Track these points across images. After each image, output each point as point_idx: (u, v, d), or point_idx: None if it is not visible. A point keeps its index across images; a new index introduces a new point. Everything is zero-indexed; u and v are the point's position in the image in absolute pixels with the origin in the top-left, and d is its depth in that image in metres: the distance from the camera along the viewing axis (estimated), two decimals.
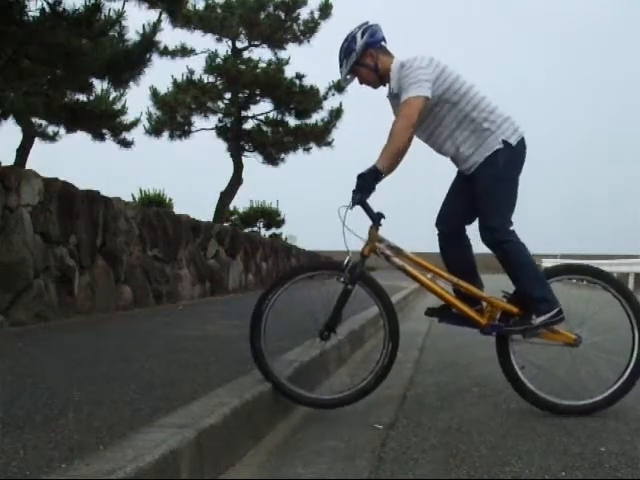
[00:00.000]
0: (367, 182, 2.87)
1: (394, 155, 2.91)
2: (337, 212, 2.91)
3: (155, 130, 15.71)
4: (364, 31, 3.09)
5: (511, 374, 3.11)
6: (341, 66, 3.16)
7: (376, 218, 2.99)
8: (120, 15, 7.18)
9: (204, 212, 16.39)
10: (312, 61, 18.02)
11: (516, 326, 2.99)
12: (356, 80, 3.21)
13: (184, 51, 15.58)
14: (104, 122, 10.99)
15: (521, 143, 3.07)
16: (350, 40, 3.09)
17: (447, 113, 3.05)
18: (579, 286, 3.30)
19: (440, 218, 3.31)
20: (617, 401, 3.07)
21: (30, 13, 6.45)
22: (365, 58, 3.09)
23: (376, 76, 3.12)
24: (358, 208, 2.94)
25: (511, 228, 3.05)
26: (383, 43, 3.15)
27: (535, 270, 3.05)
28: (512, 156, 3.04)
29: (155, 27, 8.23)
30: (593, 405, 3.06)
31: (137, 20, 8.09)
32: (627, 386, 3.08)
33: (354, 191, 2.89)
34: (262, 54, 16.12)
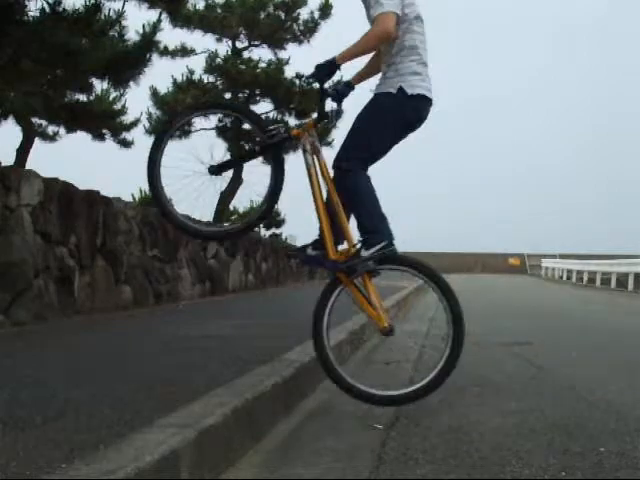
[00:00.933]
0: (321, 70, 2.99)
1: (356, 54, 3.01)
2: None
3: (155, 130, 15.70)
4: None
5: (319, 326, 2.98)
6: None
7: (320, 116, 3.10)
8: (120, 15, 7.18)
9: (204, 212, 16.39)
10: (312, 61, 18.00)
11: (345, 262, 2.93)
12: None
13: (184, 51, 15.56)
14: (104, 122, 10.99)
15: (417, 99, 3.03)
16: None
17: (395, 39, 3.05)
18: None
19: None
20: (437, 387, 3.00)
21: (30, 13, 6.45)
22: None
23: None
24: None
25: (362, 165, 3.03)
26: None
27: (373, 204, 3.00)
28: (399, 104, 3.02)
29: (155, 27, 8.24)
30: (413, 393, 2.99)
31: (137, 20, 8.09)
32: (445, 371, 2.99)
33: (308, 75, 3.04)
34: (262, 54, 16.10)
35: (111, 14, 7.09)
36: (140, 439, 1.96)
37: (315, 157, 3.06)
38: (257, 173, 3.12)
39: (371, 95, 3.13)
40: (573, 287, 22.16)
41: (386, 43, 3.06)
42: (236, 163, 3.11)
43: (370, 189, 3.03)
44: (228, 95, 16.30)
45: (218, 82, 16.09)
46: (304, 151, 3.06)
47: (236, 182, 16.06)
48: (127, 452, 1.82)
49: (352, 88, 3.19)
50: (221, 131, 16.53)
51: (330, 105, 3.09)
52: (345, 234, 3.02)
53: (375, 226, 2.95)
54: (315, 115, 3.09)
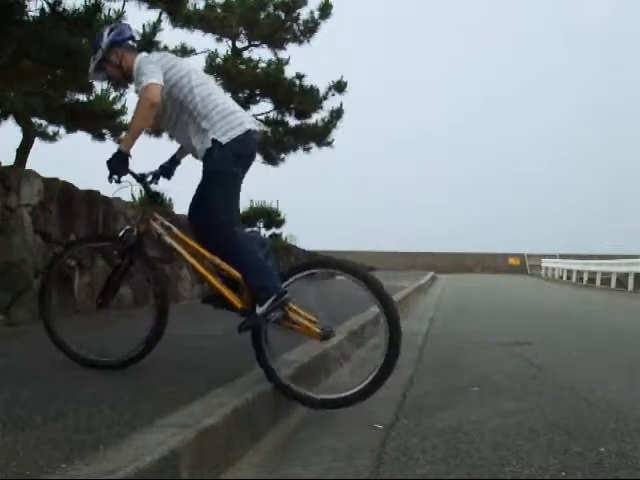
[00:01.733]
0: (114, 166, 3.04)
1: (137, 135, 3.08)
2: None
3: (154, 130, 15.70)
4: (111, 30, 3.31)
5: (266, 365, 2.96)
6: (90, 63, 3.38)
7: (153, 197, 3.23)
8: (120, 15, 7.18)
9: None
10: (312, 61, 18.02)
11: (246, 323, 2.95)
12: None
13: (184, 51, 15.54)
14: (104, 122, 10.98)
15: (236, 141, 3.03)
16: (98, 38, 3.31)
17: (179, 110, 3.11)
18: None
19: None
20: (373, 392, 2.89)
21: (30, 13, 6.45)
22: (111, 55, 3.27)
23: (120, 73, 3.31)
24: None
25: (232, 224, 3.05)
26: (130, 42, 3.35)
27: (255, 263, 2.99)
28: (223, 154, 3.02)
29: (155, 27, 8.24)
30: (349, 397, 2.90)
31: (137, 20, 8.09)
32: (383, 373, 2.87)
33: (108, 176, 3.07)
34: (262, 54, 16.10)
35: (111, 14, 7.09)
36: (140, 439, 1.96)
37: (171, 236, 3.13)
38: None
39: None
40: (573, 287, 22.15)
41: (158, 111, 3.09)
42: (112, 285, 3.22)
43: (248, 248, 3.02)
44: (228, 95, 16.30)
45: (218, 82, 16.08)
46: (159, 236, 3.14)
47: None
48: (127, 452, 1.83)
49: (177, 163, 3.40)
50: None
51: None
52: (235, 280, 3.02)
53: (260, 284, 2.92)
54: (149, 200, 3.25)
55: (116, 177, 3.07)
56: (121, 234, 3.17)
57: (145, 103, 2.98)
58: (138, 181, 3.17)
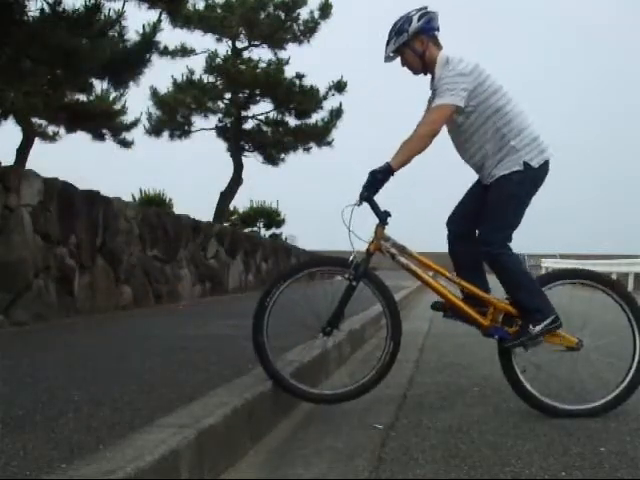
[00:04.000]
0: (377, 180, 2.91)
1: (410, 157, 2.95)
2: (341, 213, 2.93)
3: (155, 130, 15.72)
4: (421, 16, 3.08)
5: (513, 377, 3.11)
6: (388, 43, 3.14)
7: (383, 216, 3.02)
8: (120, 15, 7.17)
9: (204, 212, 16.39)
10: (312, 61, 18.02)
11: (515, 339, 3.00)
12: (398, 61, 3.19)
13: (184, 51, 15.57)
14: (104, 122, 11.00)
15: (543, 166, 3.07)
16: (405, 20, 3.08)
17: (481, 125, 3.05)
18: (581, 289, 3.29)
19: (452, 218, 3.34)
20: (619, 405, 3.07)
21: (30, 13, 6.45)
22: (415, 42, 3.09)
23: (420, 63, 3.13)
24: (364, 206, 2.97)
25: (508, 243, 3.07)
26: (436, 32, 3.15)
27: (528, 281, 3.06)
28: (530, 177, 3.04)
29: (155, 27, 8.23)
30: (594, 409, 3.06)
31: (137, 20, 8.08)
32: (629, 390, 3.10)
33: (364, 187, 2.92)
34: (262, 54, 16.12)
35: (111, 14, 7.09)
36: (140, 439, 1.96)
37: (405, 255, 3.06)
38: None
39: (496, 178, 3.09)
40: (573, 287, 22.11)
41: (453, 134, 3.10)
42: (343, 310, 3.01)
43: (522, 268, 3.11)
44: (228, 95, 16.32)
45: (218, 82, 16.10)
46: (393, 257, 3.05)
47: (236, 182, 16.13)
48: (127, 452, 1.82)
49: (391, 174, 2.98)
50: (221, 131, 16.54)
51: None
52: (481, 299, 3.06)
53: (538, 304, 2.99)
54: (377, 220, 3.03)
55: (366, 194, 2.91)
56: (351, 258, 2.99)
57: (429, 130, 2.93)
58: (370, 202, 2.96)
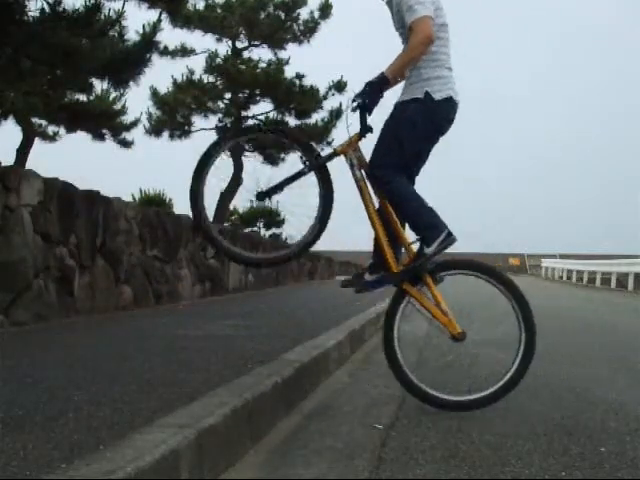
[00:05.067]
0: (372, 89, 2.96)
1: (405, 66, 3.01)
2: (345, 112, 3.07)
3: (155, 130, 15.72)
4: None
5: (391, 350, 3.05)
6: None
7: (364, 129, 3.07)
8: (120, 15, 7.17)
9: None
10: (312, 61, 18.02)
11: (412, 264, 2.96)
12: None
13: (184, 51, 15.58)
14: (104, 122, 11.00)
15: (445, 102, 3.04)
16: None
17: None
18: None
19: None
20: (505, 395, 3.04)
21: (30, 13, 6.45)
22: None
23: None
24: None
25: (400, 172, 3.03)
26: None
27: (418, 203, 3.01)
28: (429, 109, 3.02)
29: (155, 27, 8.24)
30: (475, 401, 3.03)
31: (137, 20, 8.09)
32: (515, 380, 3.05)
33: (357, 95, 2.98)
34: (262, 54, 16.12)
35: (111, 14, 7.09)
36: (140, 439, 1.96)
37: (363, 171, 3.07)
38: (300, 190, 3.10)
39: (396, 102, 3.12)
40: (573, 287, 22.16)
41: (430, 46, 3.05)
42: (283, 186, 3.09)
43: (409, 190, 3.05)
44: (228, 95, 16.32)
45: (218, 82, 16.10)
46: (351, 166, 3.07)
47: (236, 182, 16.12)
48: (127, 452, 1.82)
49: (386, 83, 3.10)
50: (221, 131, 16.53)
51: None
52: (402, 242, 3.04)
53: (428, 222, 2.96)
54: (359, 129, 3.06)
55: (360, 101, 2.97)
56: (318, 149, 3.10)
57: (422, 39, 2.93)
58: (360, 107, 3.00)
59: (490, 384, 3.08)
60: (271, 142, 13.84)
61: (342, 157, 3.09)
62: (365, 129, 3.05)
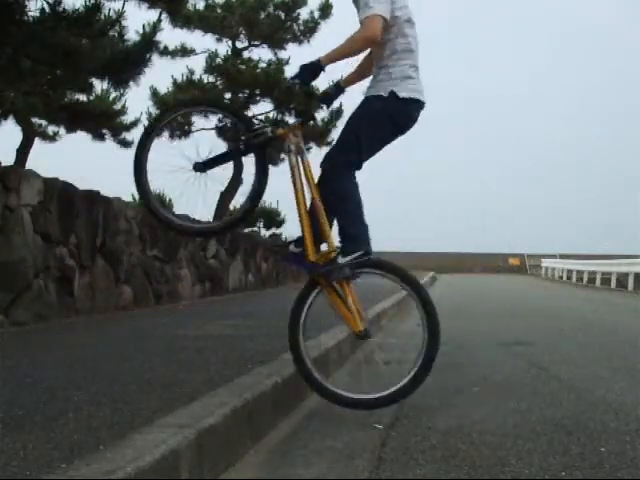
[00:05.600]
0: (305, 72, 2.97)
1: (341, 55, 3.00)
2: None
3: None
4: None
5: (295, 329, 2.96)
6: None
7: (307, 117, 3.14)
8: (120, 15, 7.17)
9: (204, 212, 16.37)
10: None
11: (322, 268, 2.92)
12: None
13: (184, 51, 15.56)
14: (104, 122, 10.99)
15: (408, 102, 3.01)
16: None
17: (386, 42, 3.03)
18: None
19: None
20: (408, 395, 2.96)
21: (30, 13, 6.45)
22: None
23: None
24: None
25: (351, 167, 3.01)
26: None
27: (356, 210, 2.98)
28: (391, 107, 3.00)
29: (155, 27, 8.24)
30: (380, 399, 2.94)
31: (137, 20, 8.08)
32: (417, 380, 2.96)
33: (292, 77, 3.03)
34: (262, 54, 16.10)
35: (111, 14, 7.08)
36: (140, 439, 1.96)
37: (299, 158, 3.05)
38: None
39: (362, 97, 3.12)
40: (573, 287, 22.15)
41: (375, 46, 3.05)
42: (221, 161, 3.12)
43: (355, 194, 3.01)
44: (228, 95, 16.32)
45: (218, 82, 16.08)
46: (288, 151, 3.05)
47: (235, 182, 16.11)
48: (127, 452, 1.82)
49: (342, 91, 3.25)
50: (221, 131, 16.53)
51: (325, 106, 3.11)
52: (326, 237, 2.99)
53: (354, 234, 2.93)
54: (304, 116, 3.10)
55: (297, 81, 3.00)
56: (258, 126, 3.08)
57: (365, 35, 2.92)
58: (306, 94, 3.08)
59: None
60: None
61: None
62: (308, 116, 3.11)
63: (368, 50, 3.17)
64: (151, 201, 3.15)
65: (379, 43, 3.00)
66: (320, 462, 2.35)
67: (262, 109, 16.51)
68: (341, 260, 2.88)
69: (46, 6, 6.48)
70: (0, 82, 6.74)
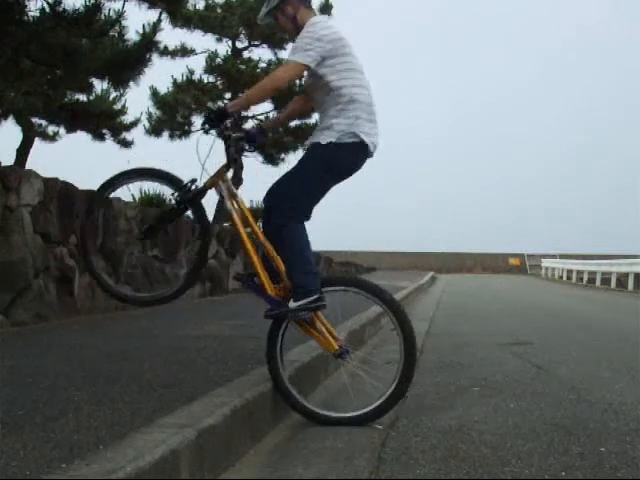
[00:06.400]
0: (209, 118, 3.03)
1: (248, 103, 3.09)
2: (196, 145, 3.13)
3: (155, 130, 15.70)
4: None
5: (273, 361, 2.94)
6: (264, 5, 3.22)
7: (231, 161, 3.13)
8: (120, 15, 7.18)
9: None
10: None
11: (271, 310, 2.93)
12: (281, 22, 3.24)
13: (184, 51, 15.57)
14: (104, 122, 10.99)
15: (348, 148, 2.97)
16: None
17: (327, 93, 3.02)
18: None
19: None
20: (388, 411, 2.89)
21: (30, 13, 6.45)
22: (287, 6, 3.14)
23: (293, 26, 3.16)
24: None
25: (295, 217, 2.99)
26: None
27: (304, 259, 2.95)
28: (332, 156, 2.97)
29: (155, 27, 8.24)
30: (361, 416, 2.87)
31: (137, 20, 8.09)
32: (397, 395, 2.89)
33: (202, 123, 3.07)
34: (262, 54, 16.12)
35: (111, 14, 7.09)
36: (140, 439, 1.96)
37: (233, 201, 3.10)
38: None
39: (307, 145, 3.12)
40: (573, 287, 22.15)
41: (318, 94, 3.06)
42: (161, 226, 3.22)
43: (302, 242, 2.98)
44: (228, 95, 16.32)
45: (218, 82, 16.08)
46: (222, 198, 3.10)
47: (236, 181, 16.12)
48: (127, 452, 1.82)
49: (265, 134, 3.36)
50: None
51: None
52: (280, 272, 2.97)
53: (303, 281, 2.90)
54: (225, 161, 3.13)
55: (206, 126, 3.05)
56: (186, 182, 3.10)
57: (275, 81, 2.95)
58: (222, 138, 3.08)
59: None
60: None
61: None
62: (230, 161, 3.12)
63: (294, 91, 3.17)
64: (101, 275, 3.30)
65: (282, 89, 3.03)
66: (320, 462, 2.36)
67: (262, 109, 16.50)
68: (292, 304, 2.87)
69: (46, 6, 6.48)
70: (0, 82, 6.74)
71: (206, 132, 3.08)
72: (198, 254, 3.22)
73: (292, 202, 2.99)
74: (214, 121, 3.03)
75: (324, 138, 2.98)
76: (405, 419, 2.95)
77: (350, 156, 3.02)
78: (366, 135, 2.97)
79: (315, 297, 2.87)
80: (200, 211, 3.13)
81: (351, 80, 3.02)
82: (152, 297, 3.34)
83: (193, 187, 3.07)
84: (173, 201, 3.11)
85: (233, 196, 3.10)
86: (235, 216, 3.08)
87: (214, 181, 3.08)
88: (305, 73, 3.03)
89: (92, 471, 1.68)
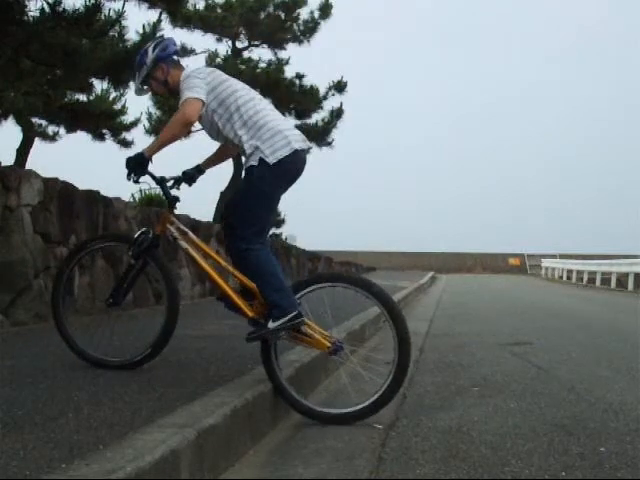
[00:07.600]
0: (132, 166, 3.05)
1: (162, 144, 3.06)
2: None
3: (155, 130, 15.70)
4: (155, 45, 3.22)
5: (273, 375, 2.93)
6: (134, 78, 3.30)
7: (171, 201, 3.20)
8: (120, 15, 7.18)
9: (204, 212, 16.38)
10: (312, 61, 18.03)
11: (253, 333, 2.93)
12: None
13: (184, 51, 15.57)
14: (104, 122, 11.00)
15: (283, 161, 2.97)
16: (142, 53, 3.22)
17: (227, 120, 3.05)
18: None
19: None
20: (383, 407, 2.87)
21: (30, 13, 6.46)
22: (156, 71, 3.20)
23: (165, 89, 3.24)
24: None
25: (258, 239, 3.00)
26: (175, 57, 3.26)
27: (274, 279, 2.95)
28: (267, 174, 2.96)
29: (155, 27, 8.25)
30: (358, 412, 2.87)
31: (137, 20, 8.10)
32: (391, 391, 2.87)
33: (127, 174, 3.09)
34: (262, 54, 16.13)
35: (111, 14, 7.09)
36: (140, 439, 1.96)
37: (186, 240, 3.13)
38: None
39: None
40: (573, 287, 22.15)
41: (205, 125, 3.11)
42: (127, 286, 3.27)
43: (269, 264, 2.99)
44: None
45: None
46: (174, 239, 3.14)
47: (236, 181, 16.12)
48: (127, 452, 1.82)
49: (201, 172, 3.40)
50: None
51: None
52: (254, 293, 2.98)
53: (277, 301, 2.90)
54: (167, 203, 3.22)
55: (134, 177, 3.07)
56: (136, 235, 3.16)
57: (181, 118, 2.96)
58: (157, 183, 3.16)
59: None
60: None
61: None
62: (172, 201, 3.19)
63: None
64: (70, 338, 3.43)
65: (192, 124, 3.06)
66: (320, 462, 2.36)
67: None
68: (271, 325, 2.87)
69: (46, 6, 6.49)
70: (0, 82, 6.74)
71: (136, 182, 3.11)
72: (167, 308, 3.30)
73: (254, 225, 3.00)
74: (137, 169, 3.07)
75: (251, 160, 2.99)
76: (405, 419, 2.95)
77: (282, 169, 3.01)
78: (293, 143, 3.01)
79: (292, 315, 2.86)
80: (157, 257, 3.19)
81: (242, 99, 3.07)
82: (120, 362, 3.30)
83: (144, 238, 3.14)
84: (131, 259, 3.18)
85: (184, 234, 3.17)
86: (193, 253, 3.13)
87: (162, 228, 3.16)
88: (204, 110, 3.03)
89: (92, 471, 1.68)
